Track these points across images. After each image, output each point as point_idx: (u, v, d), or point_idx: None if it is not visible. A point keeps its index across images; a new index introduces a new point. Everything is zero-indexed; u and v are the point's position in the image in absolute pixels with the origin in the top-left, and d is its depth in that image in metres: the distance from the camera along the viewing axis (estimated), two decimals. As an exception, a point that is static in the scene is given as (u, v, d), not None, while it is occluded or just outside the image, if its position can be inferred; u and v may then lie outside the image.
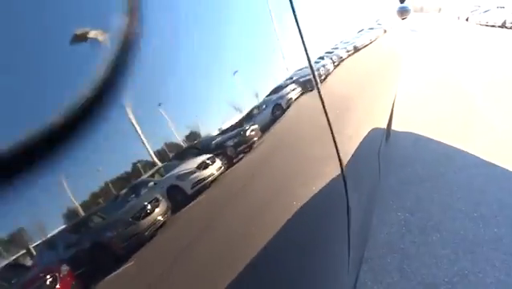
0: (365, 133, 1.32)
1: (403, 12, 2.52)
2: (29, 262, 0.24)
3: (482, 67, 7.43)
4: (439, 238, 2.28)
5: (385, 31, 1.93)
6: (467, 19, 23.77)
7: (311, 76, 0.59)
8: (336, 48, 1.05)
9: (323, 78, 0.78)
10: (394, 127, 3.93)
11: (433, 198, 2.72)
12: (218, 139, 0.44)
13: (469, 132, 3.93)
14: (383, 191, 2.78)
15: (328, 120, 0.60)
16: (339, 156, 0.62)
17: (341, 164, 0.63)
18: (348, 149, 0.85)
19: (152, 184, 0.36)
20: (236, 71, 0.48)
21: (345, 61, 1.06)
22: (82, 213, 0.28)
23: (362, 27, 1.48)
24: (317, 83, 0.59)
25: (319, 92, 0.59)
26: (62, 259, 0.27)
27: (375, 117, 1.63)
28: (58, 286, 0.24)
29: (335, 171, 0.63)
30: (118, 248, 0.31)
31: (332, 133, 0.61)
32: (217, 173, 0.42)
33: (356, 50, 1.23)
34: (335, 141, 0.62)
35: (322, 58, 0.84)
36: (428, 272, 2.02)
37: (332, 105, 0.82)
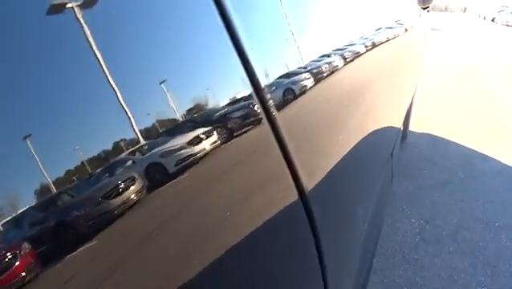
0: (374, 134, 1.19)
1: (424, 0, 2.33)
2: None
3: (508, 67, 7.12)
4: (456, 249, 2.10)
5: (404, 27, 1.79)
6: (493, 19, 23.08)
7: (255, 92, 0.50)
8: (351, 45, 1.00)
9: (324, 75, 0.75)
10: (411, 128, 3.74)
11: (451, 205, 2.53)
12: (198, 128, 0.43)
13: (493, 135, 3.69)
14: (396, 196, 2.60)
15: (281, 138, 0.51)
16: (294, 176, 0.53)
17: (297, 181, 0.53)
18: (335, 156, 0.77)
19: (130, 162, 0.35)
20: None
21: (355, 57, 0.98)
22: (50, 191, 0.28)
23: (379, 23, 1.37)
24: (262, 98, 0.49)
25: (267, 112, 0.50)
26: (25, 237, 0.27)
27: (388, 117, 1.49)
28: (17, 263, 0.25)
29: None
30: (83, 227, 0.31)
31: (286, 152, 0.51)
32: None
33: (370, 46, 1.14)
34: (288, 160, 0.52)
35: (328, 55, 0.82)
36: (442, 286, 1.85)
37: (330, 106, 0.79)
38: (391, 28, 1.51)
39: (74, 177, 0.30)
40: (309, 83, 0.68)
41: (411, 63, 2.25)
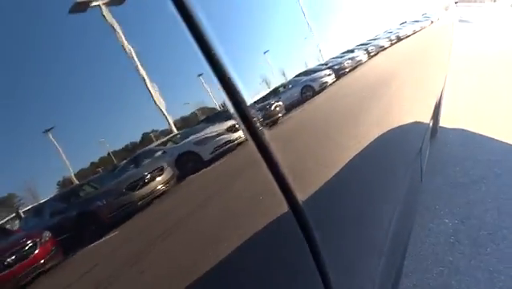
0: (399, 129, 1.13)
1: None
2: (15, 226, 0.26)
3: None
4: (494, 250, 1.97)
5: (430, 20, 1.72)
6: (526, 8, 22.11)
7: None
8: (375, 39, 0.98)
9: (347, 70, 0.74)
10: (442, 123, 3.59)
11: (487, 203, 2.38)
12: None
13: (531, 128, 3.48)
14: (427, 195, 2.48)
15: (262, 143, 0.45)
16: (283, 185, 0.47)
17: (285, 189, 0.48)
18: (352, 151, 0.73)
19: (160, 152, 0.36)
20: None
21: (378, 52, 0.95)
22: (74, 181, 0.28)
23: (405, 16, 1.33)
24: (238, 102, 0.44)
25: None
26: (47, 226, 0.27)
27: (414, 111, 1.42)
28: (37, 251, 0.25)
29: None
30: (105, 218, 0.31)
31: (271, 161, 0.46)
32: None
33: (394, 39, 1.11)
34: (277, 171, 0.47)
35: (351, 50, 0.81)
36: (481, 290, 1.73)
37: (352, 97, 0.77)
38: (416, 21, 1.45)
39: (99, 169, 0.30)
40: (329, 79, 0.67)
41: (438, 57, 2.16)
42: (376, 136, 0.89)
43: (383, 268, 0.93)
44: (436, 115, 2.96)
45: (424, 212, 2.32)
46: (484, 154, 3.04)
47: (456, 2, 3.67)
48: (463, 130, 3.59)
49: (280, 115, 0.51)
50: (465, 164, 2.92)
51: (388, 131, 1.01)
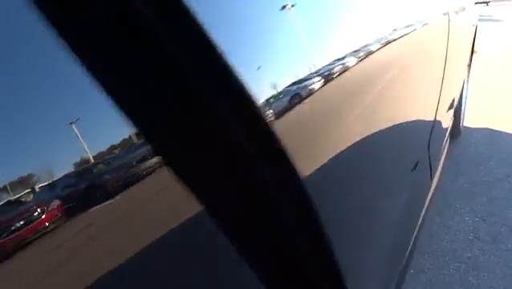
0: (396, 127, 1.15)
1: None
2: (27, 198, 0.27)
3: None
4: (515, 247, 1.95)
5: (447, 18, 1.74)
6: None
7: None
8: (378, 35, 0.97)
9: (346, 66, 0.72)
10: (468, 123, 3.55)
11: (510, 201, 2.36)
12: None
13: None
14: (447, 194, 2.48)
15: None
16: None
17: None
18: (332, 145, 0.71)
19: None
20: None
21: (380, 47, 0.93)
22: (89, 161, 0.30)
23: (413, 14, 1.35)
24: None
25: None
26: (58, 196, 0.29)
27: (416, 110, 1.44)
28: (43, 216, 0.28)
29: None
30: (111, 187, 0.32)
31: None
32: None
33: (400, 35, 1.11)
34: None
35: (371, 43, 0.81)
36: (499, 285, 1.73)
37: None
38: (420, 22, 1.46)
39: (116, 150, 0.31)
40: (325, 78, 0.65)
41: (451, 57, 2.15)
42: (369, 133, 0.89)
43: (374, 267, 0.94)
44: (457, 115, 2.92)
45: (444, 210, 2.32)
46: (509, 153, 2.99)
47: (488, 2, 3.63)
48: (490, 129, 3.52)
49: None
50: (490, 163, 2.88)
51: (385, 128, 1.03)
